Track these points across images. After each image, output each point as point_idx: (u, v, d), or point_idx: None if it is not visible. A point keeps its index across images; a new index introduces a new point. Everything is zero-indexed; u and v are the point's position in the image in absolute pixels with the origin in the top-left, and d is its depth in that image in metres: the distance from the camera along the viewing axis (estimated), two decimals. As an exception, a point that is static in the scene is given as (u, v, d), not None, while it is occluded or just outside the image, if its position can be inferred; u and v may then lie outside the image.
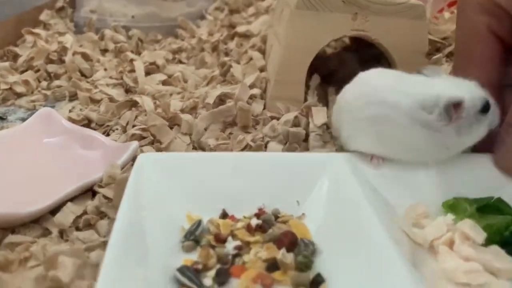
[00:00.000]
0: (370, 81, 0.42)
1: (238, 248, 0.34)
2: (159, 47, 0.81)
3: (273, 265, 0.32)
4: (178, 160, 0.39)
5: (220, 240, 0.35)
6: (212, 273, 0.32)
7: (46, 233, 0.38)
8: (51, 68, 0.70)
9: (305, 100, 0.57)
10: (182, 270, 0.31)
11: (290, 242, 0.34)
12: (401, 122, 0.38)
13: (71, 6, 1.00)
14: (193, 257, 0.33)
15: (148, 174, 0.37)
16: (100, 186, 0.41)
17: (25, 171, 0.44)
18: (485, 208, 0.37)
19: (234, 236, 0.35)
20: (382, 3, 0.56)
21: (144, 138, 0.50)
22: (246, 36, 0.80)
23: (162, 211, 0.35)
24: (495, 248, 0.33)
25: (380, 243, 0.30)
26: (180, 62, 0.77)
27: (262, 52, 0.72)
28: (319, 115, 0.52)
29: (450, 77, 0.42)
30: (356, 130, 0.41)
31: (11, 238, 0.36)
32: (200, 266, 0.32)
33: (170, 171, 0.38)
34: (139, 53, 0.80)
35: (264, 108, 0.57)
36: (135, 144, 0.44)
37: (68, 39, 0.73)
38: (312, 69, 0.59)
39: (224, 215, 0.37)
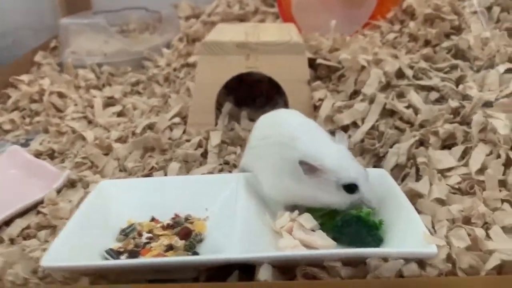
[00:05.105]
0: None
1: (149, 238, 0.51)
2: (123, 81, 0.98)
3: (170, 248, 0.49)
4: (126, 184, 0.57)
5: (140, 234, 0.52)
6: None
7: (1, 240, 0.55)
8: (34, 106, 0.89)
9: (216, 124, 0.73)
10: (107, 251, 0.48)
11: (184, 234, 0.51)
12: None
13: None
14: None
15: (106, 194, 0.54)
16: (43, 207, 0.58)
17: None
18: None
19: (151, 232, 0.52)
20: (268, 45, 0.71)
21: (84, 164, 0.67)
22: (194, 66, 0.95)
23: (112, 216, 0.53)
24: (320, 232, 0.48)
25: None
26: (138, 92, 0.94)
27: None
28: (215, 138, 0.67)
29: (343, 149, 0.51)
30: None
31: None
32: (121, 250, 0.49)
33: (120, 191, 0.55)
34: (109, 85, 0.98)
35: (184, 132, 0.73)
36: (67, 172, 0.61)
37: (46, 82, 0.91)
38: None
39: (152, 219, 0.54)
